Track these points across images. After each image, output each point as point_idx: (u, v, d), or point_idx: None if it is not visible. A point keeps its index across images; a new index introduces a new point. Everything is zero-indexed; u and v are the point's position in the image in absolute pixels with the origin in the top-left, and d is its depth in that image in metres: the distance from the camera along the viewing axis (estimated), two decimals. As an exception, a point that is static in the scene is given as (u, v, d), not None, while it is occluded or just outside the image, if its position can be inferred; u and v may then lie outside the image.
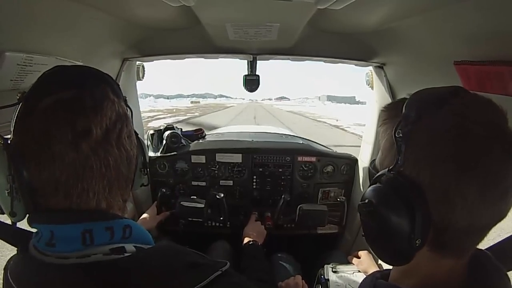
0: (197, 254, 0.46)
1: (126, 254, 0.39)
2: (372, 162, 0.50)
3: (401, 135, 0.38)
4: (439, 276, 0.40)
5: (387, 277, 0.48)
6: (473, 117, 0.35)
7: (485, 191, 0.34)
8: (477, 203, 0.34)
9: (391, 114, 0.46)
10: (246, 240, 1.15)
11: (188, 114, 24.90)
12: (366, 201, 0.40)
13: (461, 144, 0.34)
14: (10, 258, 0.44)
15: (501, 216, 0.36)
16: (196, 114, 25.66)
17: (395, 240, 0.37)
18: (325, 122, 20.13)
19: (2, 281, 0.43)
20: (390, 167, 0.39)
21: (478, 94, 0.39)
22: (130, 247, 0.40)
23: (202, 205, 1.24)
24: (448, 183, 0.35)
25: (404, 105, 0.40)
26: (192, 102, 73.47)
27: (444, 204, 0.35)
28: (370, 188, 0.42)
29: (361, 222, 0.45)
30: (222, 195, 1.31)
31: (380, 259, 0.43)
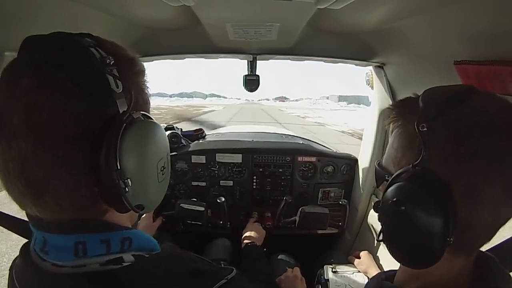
0: (201, 260, 0.45)
1: (125, 264, 0.37)
2: (379, 161, 0.47)
3: (425, 129, 0.36)
4: (449, 278, 0.39)
5: (392, 279, 0.47)
6: (497, 113, 0.35)
7: (508, 188, 0.33)
8: (501, 199, 0.34)
9: (403, 111, 0.43)
10: (245, 241, 1.14)
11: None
12: (394, 199, 0.38)
13: (489, 141, 0.34)
14: (16, 257, 0.43)
15: None
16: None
17: (427, 240, 0.35)
18: None
19: (7, 280, 0.42)
20: (414, 163, 0.37)
21: (492, 93, 0.39)
22: (128, 257, 0.38)
23: (202, 209, 1.23)
24: (475, 180, 0.34)
25: (420, 100, 0.39)
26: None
27: (471, 202, 0.34)
28: (394, 186, 0.39)
29: (382, 223, 0.42)
30: (223, 199, 1.31)
31: (402, 262, 0.41)
